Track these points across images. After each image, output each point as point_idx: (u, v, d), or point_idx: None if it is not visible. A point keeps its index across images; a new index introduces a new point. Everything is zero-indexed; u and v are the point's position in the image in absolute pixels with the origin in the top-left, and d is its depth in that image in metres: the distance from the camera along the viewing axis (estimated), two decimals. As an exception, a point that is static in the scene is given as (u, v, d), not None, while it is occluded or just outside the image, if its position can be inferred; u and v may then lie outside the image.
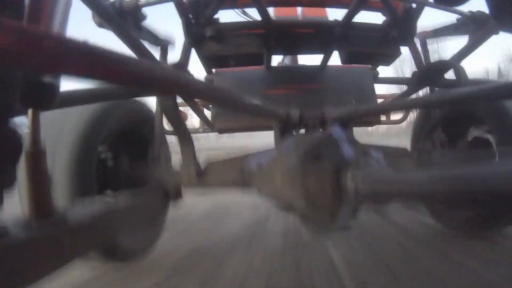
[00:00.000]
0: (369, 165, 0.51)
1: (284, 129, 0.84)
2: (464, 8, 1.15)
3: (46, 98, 0.38)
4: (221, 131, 1.63)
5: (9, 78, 0.30)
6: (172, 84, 0.30)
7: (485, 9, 1.09)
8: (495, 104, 1.02)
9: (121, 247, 0.95)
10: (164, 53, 1.31)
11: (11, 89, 0.31)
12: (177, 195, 0.92)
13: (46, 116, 0.86)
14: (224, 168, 0.88)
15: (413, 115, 2.34)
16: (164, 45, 1.30)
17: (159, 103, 0.88)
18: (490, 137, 1.09)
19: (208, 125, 2.13)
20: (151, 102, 1.19)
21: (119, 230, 0.58)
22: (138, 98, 1.11)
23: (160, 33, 1.32)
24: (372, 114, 0.87)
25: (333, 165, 0.49)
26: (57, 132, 0.85)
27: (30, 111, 0.40)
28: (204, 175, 0.87)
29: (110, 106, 0.97)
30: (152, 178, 0.92)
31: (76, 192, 0.80)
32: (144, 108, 1.17)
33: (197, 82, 0.34)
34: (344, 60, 1.37)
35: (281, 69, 1.64)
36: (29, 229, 0.38)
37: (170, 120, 0.79)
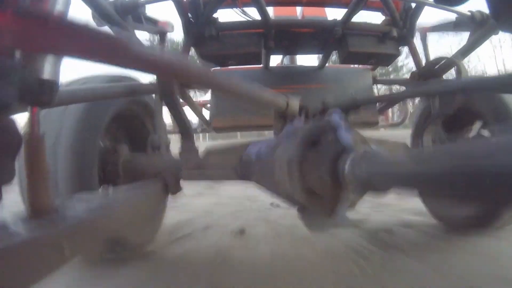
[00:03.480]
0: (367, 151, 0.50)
1: (283, 118, 0.83)
2: (464, 8, 1.15)
3: (45, 95, 0.38)
4: (219, 130, 1.62)
5: (7, 71, 0.29)
6: (172, 67, 0.30)
7: (485, 9, 1.09)
8: (495, 98, 1.02)
9: (120, 242, 0.92)
10: (162, 40, 1.31)
11: (10, 81, 0.30)
12: (176, 188, 0.90)
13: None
14: (223, 156, 0.86)
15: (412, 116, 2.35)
16: (162, 32, 1.30)
17: (159, 90, 0.85)
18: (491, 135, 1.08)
19: (206, 124, 2.13)
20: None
21: (119, 225, 0.57)
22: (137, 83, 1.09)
23: (158, 19, 1.31)
24: (370, 102, 0.86)
25: (330, 151, 0.47)
26: (58, 126, 0.83)
27: (29, 109, 0.39)
28: (203, 163, 0.85)
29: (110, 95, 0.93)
30: (151, 169, 0.89)
31: (78, 185, 0.79)
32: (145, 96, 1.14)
33: (196, 66, 0.34)
34: (343, 60, 1.37)
35: (279, 69, 1.63)
36: (28, 227, 0.37)
37: (169, 107, 0.77)
